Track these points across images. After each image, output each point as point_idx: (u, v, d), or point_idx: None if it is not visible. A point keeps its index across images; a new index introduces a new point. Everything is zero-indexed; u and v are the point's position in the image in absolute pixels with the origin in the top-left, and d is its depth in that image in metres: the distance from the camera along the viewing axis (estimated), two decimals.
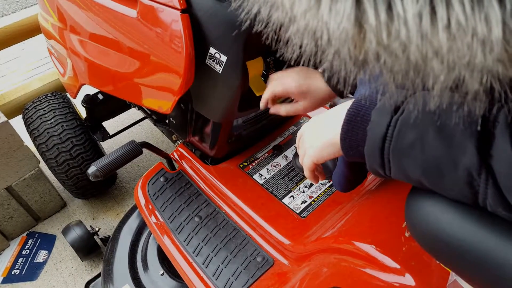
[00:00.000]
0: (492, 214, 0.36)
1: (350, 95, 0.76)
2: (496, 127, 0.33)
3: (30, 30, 1.47)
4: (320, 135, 0.50)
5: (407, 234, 0.60)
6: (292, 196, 0.91)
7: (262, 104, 0.78)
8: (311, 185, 0.92)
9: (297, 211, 0.87)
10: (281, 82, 0.73)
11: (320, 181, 0.83)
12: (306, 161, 0.53)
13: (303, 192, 0.91)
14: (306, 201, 0.89)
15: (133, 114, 1.78)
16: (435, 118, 0.36)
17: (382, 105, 0.42)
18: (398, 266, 0.56)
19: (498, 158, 0.32)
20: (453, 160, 0.35)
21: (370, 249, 0.60)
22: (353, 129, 0.45)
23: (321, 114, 0.53)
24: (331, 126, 0.49)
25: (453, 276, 0.48)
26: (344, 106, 0.48)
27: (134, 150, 0.90)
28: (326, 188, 0.91)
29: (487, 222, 0.37)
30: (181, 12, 0.68)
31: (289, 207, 0.88)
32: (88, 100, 1.36)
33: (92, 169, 0.84)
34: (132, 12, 0.78)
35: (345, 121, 0.45)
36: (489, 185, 0.34)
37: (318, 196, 0.89)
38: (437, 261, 0.45)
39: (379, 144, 0.41)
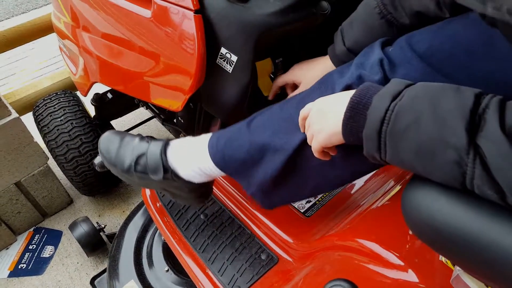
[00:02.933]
0: (478, 199, 0.39)
1: None
2: (487, 113, 0.37)
3: (43, 29, 1.50)
4: (327, 122, 0.52)
5: (411, 232, 0.61)
6: None
7: (272, 92, 0.84)
8: None
9: (302, 210, 0.89)
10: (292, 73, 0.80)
11: None
12: (315, 145, 0.55)
13: None
14: (310, 201, 0.90)
15: (140, 114, 1.81)
16: (432, 103, 0.40)
17: (383, 92, 0.45)
18: (401, 263, 0.58)
19: (487, 138, 0.36)
20: (444, 140, 0.38)
21: (374, 246, 0.62)
22: (355, 116, 0.47)
23: (327, 97, 0.55)
24: (338, 115, 0.51)
25: (456, 272, 0.50)
26: (348, 93, 0.51)
27: None
28: None
29: (473, 207, 0.39)
30: (194, 13, 0.70)
31: (293, 206, 0.90)
32: (97, 99, 1.38)
33: (98, 160, 0.85)
34: (146, 12, 0.80)
35: (348, 108, 0.48)
36: (476, 165, 0.37)
37: (323, 195, 0.91)
38: (434, 251, 0.47)
39: (377, 127, 0.44)
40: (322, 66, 0.75)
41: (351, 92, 0.50)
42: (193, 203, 0.87)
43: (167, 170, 0.76)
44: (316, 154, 0.57)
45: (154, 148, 0.77)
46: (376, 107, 0.44)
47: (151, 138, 0.81)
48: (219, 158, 0.73)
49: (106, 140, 0.80)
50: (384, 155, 0.45)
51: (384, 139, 0.44)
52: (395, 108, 0.43)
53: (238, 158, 0.70)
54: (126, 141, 0.79)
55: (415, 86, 0.44)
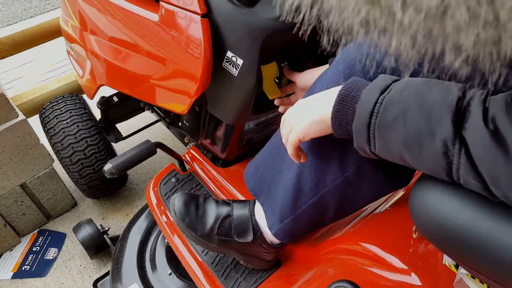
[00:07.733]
0: (488, 199, 0.39)
1: None
2: (471, 105, 0.38)
3: (50, 33, 1.53)
4: (309, 113, 0.53)
5: (414, 236, 0.61)
6: None
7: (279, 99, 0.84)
8: None
9: None
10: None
11: None
12: (292, 137, 0.55)
13: None
14: None
15: (144, 117, 1.82)
16: (418, 95, 0.41)
17: (372, 86, 0.46)
18: (405, 267, 0.58)
19: (471, 130, 0.37)
20: (431, 131, 0.39)
21: (377, 250, 0.62)
22: (343, 109, 0.48)
23: (309, 97, 0.55)
24: (321, 106, 0.51)
25: (459, 275, 0.49)
26: (333, 90, 0.51)
27: (149, 149, 0.93)
28: None
29: (484, 206, 0.40)
30: (201, 17, 0.71)
31: None
32: (103, 102, 1.39)
33: (108, 166, 0.87)
34: (153, 16, 0.81)
35: (337, 101, 0.48)
36: (462, 155, 0.38)
37: None
38: (441, 251, 0.46)
39: (367, 120, 0.45)
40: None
41: (336, 88, 0.50)
42: (264, 267, 0.83)
43: (256, 232, 0.75)
44: (290, 151, 0.57)
45: (241, 210, 0.76)
46: (365, 100, 0.45)
47: (230, 200, 0.80)
48: (253, 184, 0.76)
49: (182, 204, 0.77)
50: (374, 147, 0.46)
51: (373, 131, 0.44)
52: (383, 101, 0.43)
53: (265, 181, 0.74)
54: (202, 203, 0.78)
55: (403, 81, 0.45)
